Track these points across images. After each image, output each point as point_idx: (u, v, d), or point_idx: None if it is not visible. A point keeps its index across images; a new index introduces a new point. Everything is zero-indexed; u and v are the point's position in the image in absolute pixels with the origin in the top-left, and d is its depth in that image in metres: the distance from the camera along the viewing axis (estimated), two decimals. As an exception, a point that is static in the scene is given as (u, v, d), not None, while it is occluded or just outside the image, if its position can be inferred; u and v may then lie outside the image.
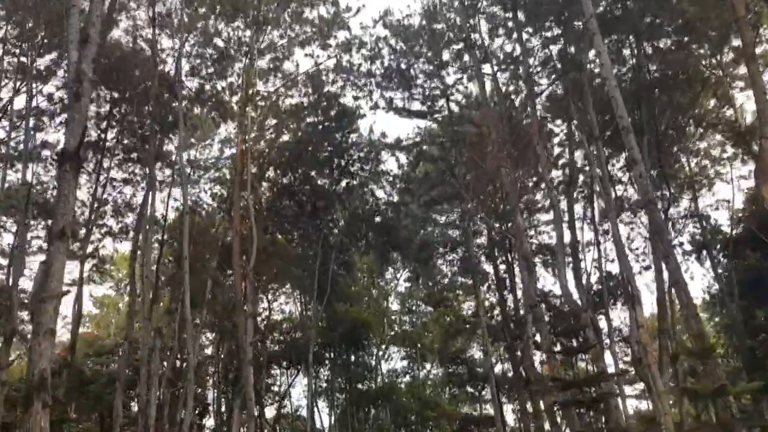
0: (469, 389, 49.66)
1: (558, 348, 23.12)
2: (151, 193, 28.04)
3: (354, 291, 40.06)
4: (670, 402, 20.12)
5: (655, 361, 19.49)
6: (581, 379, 18.44)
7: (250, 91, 26.05)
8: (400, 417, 47.39)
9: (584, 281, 28.85)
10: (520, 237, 21.60)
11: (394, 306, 52.74)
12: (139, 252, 28.09)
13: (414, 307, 51.16)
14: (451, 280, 46.86)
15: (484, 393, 49.77)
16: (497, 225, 30.34)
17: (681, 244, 35.55)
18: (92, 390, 37.25)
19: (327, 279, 31.44)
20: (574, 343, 23.62)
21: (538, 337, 25.42)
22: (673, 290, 21.93)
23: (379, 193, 33.06)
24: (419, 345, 52.78)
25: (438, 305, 46.83)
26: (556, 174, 37.39)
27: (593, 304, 33.79)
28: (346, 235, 33.51)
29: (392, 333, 52.60)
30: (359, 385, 42.96)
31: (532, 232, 38.12)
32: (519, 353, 37.80)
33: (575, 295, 38.12)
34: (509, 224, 28.13)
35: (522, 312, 35.26)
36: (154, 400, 21.05)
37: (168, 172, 38.25)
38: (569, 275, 35.76)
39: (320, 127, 31.60)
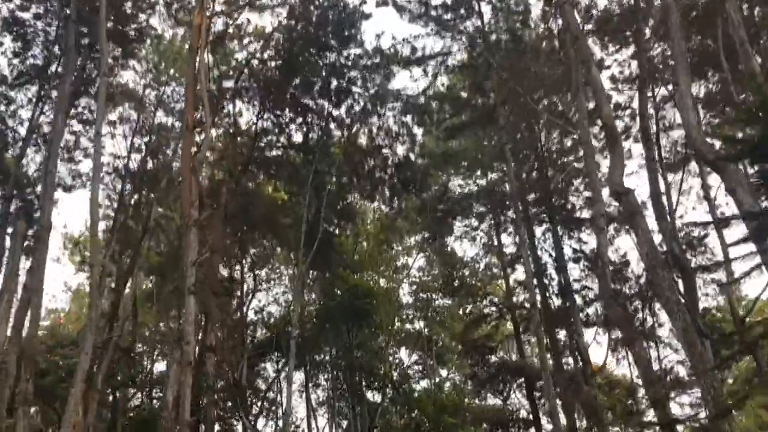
0: (493, 399, 41.79)
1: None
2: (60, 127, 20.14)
3: (355, 252, 31.91)
4: None
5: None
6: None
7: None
8: (413, 423, 39.08)
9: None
10: (599, 97, 13.84)
11: (406, 297, 44.53)
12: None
13: (428, 296, 42.80)
14: (473, 260, 39.01)
15: (512, 398, 41.50)
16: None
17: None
18: (45, 383, 29.88)
19: (318, 226, 23.63)
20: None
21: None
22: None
23: (389, 119, 25.18)
24: (436, 345, 44.73)
25: (456, 293, 38.75)
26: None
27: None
28: (346, 174, 25.75)
29: (403, 334, 44.39)
30: (364, 383, 34.81)
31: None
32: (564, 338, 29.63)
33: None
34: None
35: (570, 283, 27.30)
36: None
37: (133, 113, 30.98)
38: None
39: (314, 36, 24.19)
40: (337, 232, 27.72)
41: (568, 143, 30.10)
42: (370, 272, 32.41)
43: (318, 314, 30.04)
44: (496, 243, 35.80)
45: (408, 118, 24.65)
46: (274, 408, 39.91)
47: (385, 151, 25.28)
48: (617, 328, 14.83)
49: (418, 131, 25.77)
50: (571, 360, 30.60)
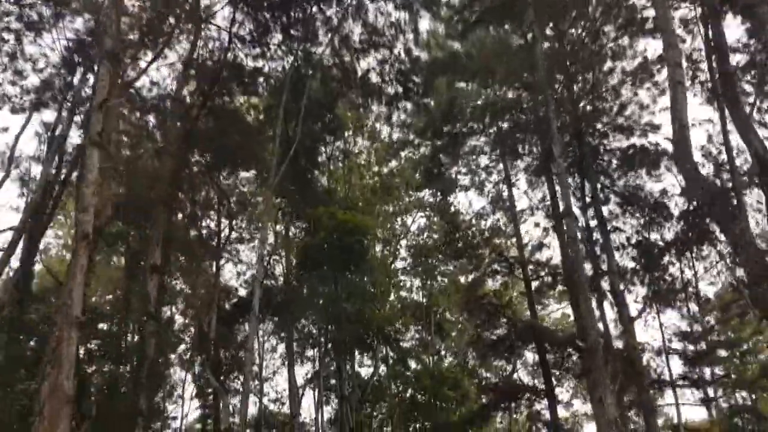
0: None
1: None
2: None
3: (347, 196, 27.26)
4: None
5: None
6: None
7: None
8: (408, 397, 34.69)
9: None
10: None
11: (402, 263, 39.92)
12: None
13: (427, 260, 38.14)
14: (479, 216, 34.42)
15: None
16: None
17: None
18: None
19: (296, 133, 19.01)
20: None
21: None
22: None
23: (389, 7, 20.40)
24: (436, 316, 40.29)
25: (460, 255, 34.13)
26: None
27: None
28: (335, 79, 21.13)
29: (400, 306, 39.83)
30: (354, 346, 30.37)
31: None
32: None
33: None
34: None
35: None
36: None
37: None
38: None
39: None
40: (323, 151, 23.03)
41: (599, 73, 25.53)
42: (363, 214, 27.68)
43: (300, 260, 25.38)
44: (505, 195, 31.63)
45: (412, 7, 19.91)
46: (256, 384, 35.62)
47: (382, 50, 20.67)
48: (705, 212, 10.30)
49: (422, 26, 21.01)
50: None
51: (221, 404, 25.15)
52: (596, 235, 23.47)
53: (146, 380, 14.92)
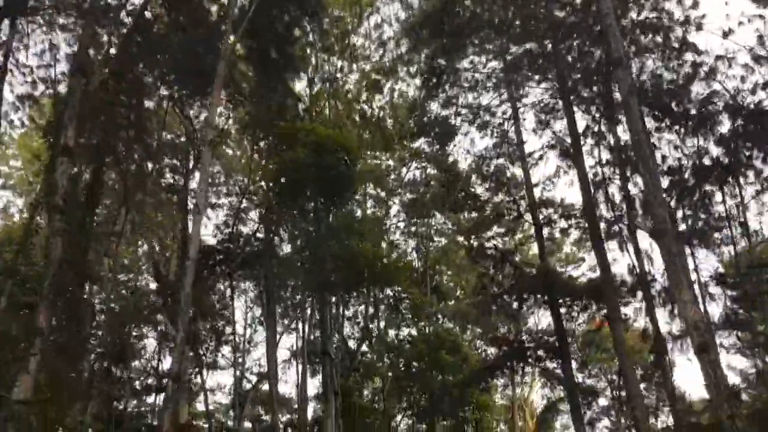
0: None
1: None
2: None
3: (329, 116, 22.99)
4: None
5: None
6: None
7: None
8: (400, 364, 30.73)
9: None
10: None
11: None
12: None
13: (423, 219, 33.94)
14: (482, 158, 30.32)
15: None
16: None
17: None
18: None
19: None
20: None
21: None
22: None
23: None
24: (432, 279, 36.47)
25: (461, 208, 30.06)
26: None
27: None
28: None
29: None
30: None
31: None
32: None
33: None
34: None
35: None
36: None
37: None
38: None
39: None
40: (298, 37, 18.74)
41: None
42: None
43: (276, 187, 21.11)
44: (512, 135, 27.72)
45: None
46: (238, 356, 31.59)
47: None
48: None
49: None
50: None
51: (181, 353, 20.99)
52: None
53: (49, 290, 10.86)
